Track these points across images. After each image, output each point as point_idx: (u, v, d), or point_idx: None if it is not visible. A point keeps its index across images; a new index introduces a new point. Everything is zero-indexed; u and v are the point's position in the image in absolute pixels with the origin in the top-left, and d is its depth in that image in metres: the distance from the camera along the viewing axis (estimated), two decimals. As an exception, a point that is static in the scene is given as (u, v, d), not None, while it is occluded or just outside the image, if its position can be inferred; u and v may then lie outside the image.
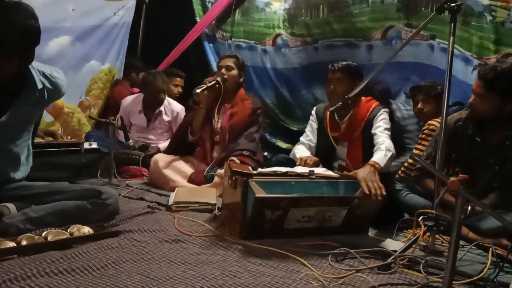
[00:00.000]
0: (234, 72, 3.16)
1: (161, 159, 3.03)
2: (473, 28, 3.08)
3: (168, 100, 3.90)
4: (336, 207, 1.98)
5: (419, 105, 2.94)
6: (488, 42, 3.05)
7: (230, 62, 3.16)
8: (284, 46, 4.09)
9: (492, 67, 2.06)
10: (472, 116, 2.19)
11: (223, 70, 3.13)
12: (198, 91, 2.99)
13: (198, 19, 4.51)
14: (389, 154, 2.22)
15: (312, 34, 3.93)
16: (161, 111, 3.80)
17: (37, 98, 1.86)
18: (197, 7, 4.53)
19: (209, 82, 3.02)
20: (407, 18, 3.51)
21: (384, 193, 1.98)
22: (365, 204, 2.01)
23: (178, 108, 3.89)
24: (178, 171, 3.00)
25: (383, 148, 2.25)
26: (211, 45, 4.54)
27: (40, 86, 1.85)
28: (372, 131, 2.42)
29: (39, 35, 1.70)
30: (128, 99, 3.93)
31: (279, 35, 4.11)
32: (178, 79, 4.41)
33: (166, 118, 3.83)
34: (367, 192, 1.96)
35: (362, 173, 2.05)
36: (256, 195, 1.81)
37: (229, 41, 4.45)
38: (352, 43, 3.76)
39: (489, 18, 3.01)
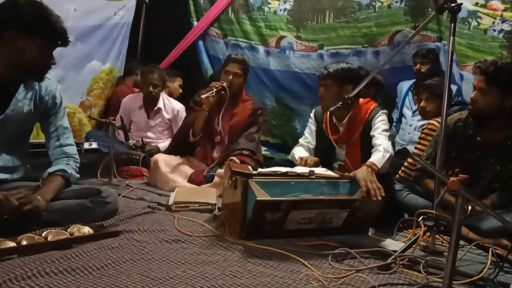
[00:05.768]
0: (241, 79, 3.15)
1: (161, 159, 3.03)
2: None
3: (168, 98, 3.90)
4: (337, 209, 1.98)
5: (422, 104, 2.95)
6: (467, 49, 3.03)
7: (238, 69, 3.12)
8: (288, 48, 4.05)
9: (493, 62, 2.13)
10: (474, 112, 2.21)
11: (231, 77, 3.10)
12: (203, 96, 2.99)
13: (193, 20, 4.51)
14: (387, 155, 2.21)
15: (317, 39, 3.89)
16: (160, 108, 3.80)
17: (34, 93, 1.91)
18: (191, 8, 4.54)
19: (216, 88, 3.01)
20: (414, 21, 3.50)
21: (383, 193, 1.98)
22: (366, 206, 2.01)
23: (178, 106, 3.89)
24: (178, 171, 3.00)
25: (381, 149, 2.24)
26: (203, 43, 4.53)
27: (35, 82, 1.92)
28: (371, 133, 2.41)
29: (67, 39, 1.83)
30: (129, 97, 3.95)
31: (283, 37, 4.07)
32: (179, 78, 4.43)
33: (166, 115, 3.83)
34: (365, 192, 1.97)
35: (360, 173, 2.06)
36: (257, 198, 1.81)
37: (225, 40, 4.41)
38: (358, 50, 3.73)
39: (473, 24, 2.99)
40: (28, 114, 1.91)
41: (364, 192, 1.98)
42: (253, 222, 1.87)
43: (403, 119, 3.66)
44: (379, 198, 1.96)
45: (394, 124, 3.79)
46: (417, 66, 3.46)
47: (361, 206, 2.00)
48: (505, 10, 2.92)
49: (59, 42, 1.81)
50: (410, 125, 3.53)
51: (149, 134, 3.84)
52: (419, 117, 3.38)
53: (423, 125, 3.29)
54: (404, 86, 3.75)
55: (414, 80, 3.58)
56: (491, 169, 2.20)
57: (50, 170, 1.94)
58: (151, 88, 3.71)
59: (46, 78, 1.97)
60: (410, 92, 3.64)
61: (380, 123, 2.41)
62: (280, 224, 1.92)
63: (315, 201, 1.94)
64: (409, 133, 3.52)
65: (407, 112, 3.62)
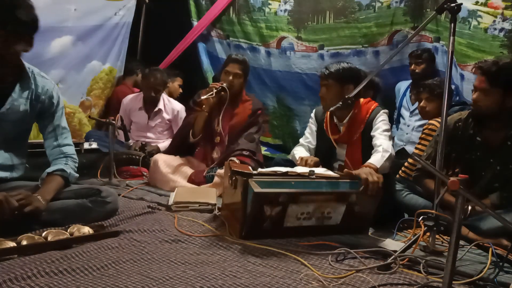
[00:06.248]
0: (241, 80, 3.15)
1: (161, 159, 3.03)
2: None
3: (168, 99, 3.90)
4: (335, 203, 1.98)
5: (422, 103, 2.94)
6: (467, 48, 3.02)
7: (238, 69, 3.11)
8: (289, 49, 4.07)
9: (494, 62, 2.13)
10: (475, 112, 2.21)
11: (231, 77, 3.10)
12: (203, 97, 2.98)
13: (194, 20, 4.51)
14: (386, 155, 2.21)
15: (318, 40, 3.91)
16: (160, 109, 3.81)
17: (30, 92, 1.90)
18: (192, 8, 4.54)
19: (216, 89, 3.01)
20: (413, 21, 3.52)
21: (381, 180, 1.97)
22: (363, 200, 2.01)
23: (178, 106, 3.89)
24: (178, 171, 3.00)
25: (380, 150, 2.24)
26: (203, 44, 4.53)
27: (31, 82, 1.90)
28: (372, 133, 2.41)
29: (37, 23, 1.76)
30: (129, 97, 3.96)
31: (284, 37, 4.09)
32: (179, 78, 4.43)
33: (166, 116, 3.84)
34: (365, 185, 1.96)
35: (361, 170, 2.06)
36: (255, 190, 1.81)
37: (228, 40, 4.42)
38: (358, 50, 3.75)
39: (473, 23, 2.97)
40: (24, 114, 1.91)
41: (363, 185, 1.97)
42: (252, 218, 1.87)
43: (401, 120, 3.65)
44: (375, 192, 1.95)
45: (393, 125, 3.79)
46: (412, 67, 3.50)
47: (358, 200, 2.00)
48: (506, 8, 2.89)
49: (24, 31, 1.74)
50: (408, 126, 3.52)
51: (149, 134, 3.84)
52: (416, 117, 3.39)
53: (421, 125, 3.29)
54: (402, 86, 3.75)
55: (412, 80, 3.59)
56: (491, 169, 2.20)
57: (49, 170, 1.94)
58: (153, 93, 3.72)
59: (43, 77, 1.96)
60: (407, 93, 3.64)
61: (381, 123, 2.41)
62: (280, 221, 1.92)
63: (313, 193, 1.96)
64: (407, 134, 3.51)
65: (405, 112, 3.61)
